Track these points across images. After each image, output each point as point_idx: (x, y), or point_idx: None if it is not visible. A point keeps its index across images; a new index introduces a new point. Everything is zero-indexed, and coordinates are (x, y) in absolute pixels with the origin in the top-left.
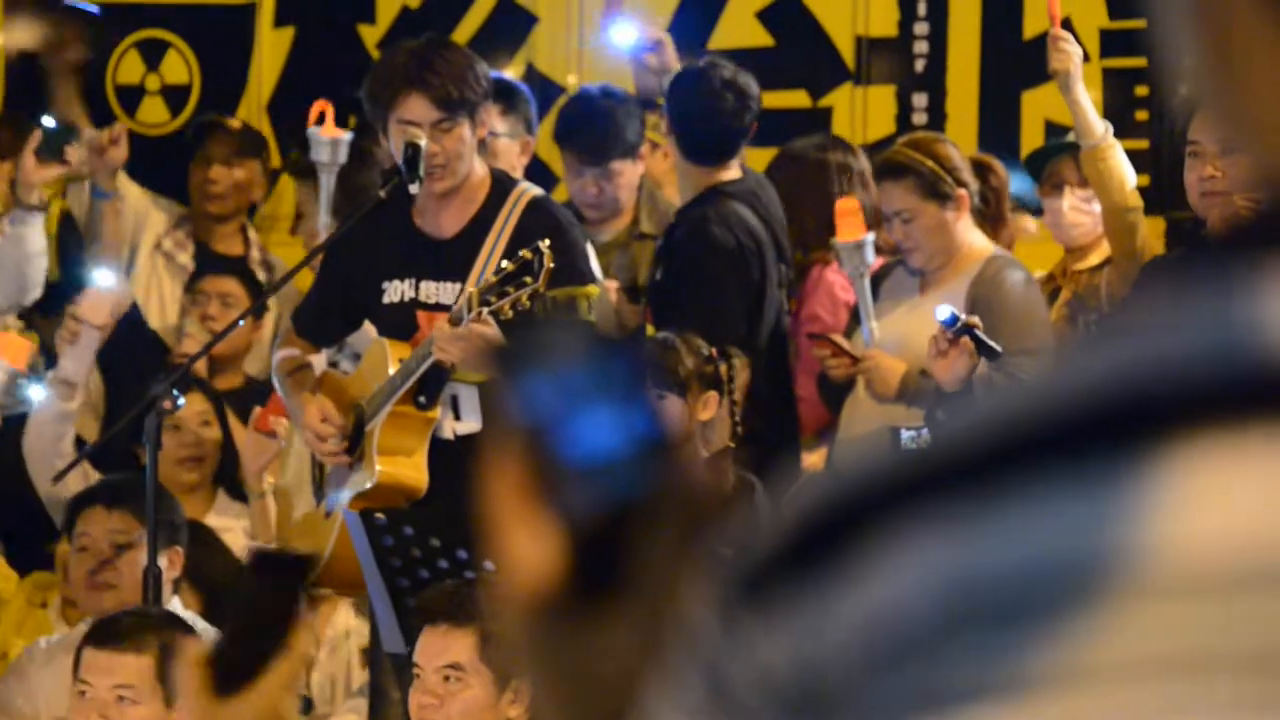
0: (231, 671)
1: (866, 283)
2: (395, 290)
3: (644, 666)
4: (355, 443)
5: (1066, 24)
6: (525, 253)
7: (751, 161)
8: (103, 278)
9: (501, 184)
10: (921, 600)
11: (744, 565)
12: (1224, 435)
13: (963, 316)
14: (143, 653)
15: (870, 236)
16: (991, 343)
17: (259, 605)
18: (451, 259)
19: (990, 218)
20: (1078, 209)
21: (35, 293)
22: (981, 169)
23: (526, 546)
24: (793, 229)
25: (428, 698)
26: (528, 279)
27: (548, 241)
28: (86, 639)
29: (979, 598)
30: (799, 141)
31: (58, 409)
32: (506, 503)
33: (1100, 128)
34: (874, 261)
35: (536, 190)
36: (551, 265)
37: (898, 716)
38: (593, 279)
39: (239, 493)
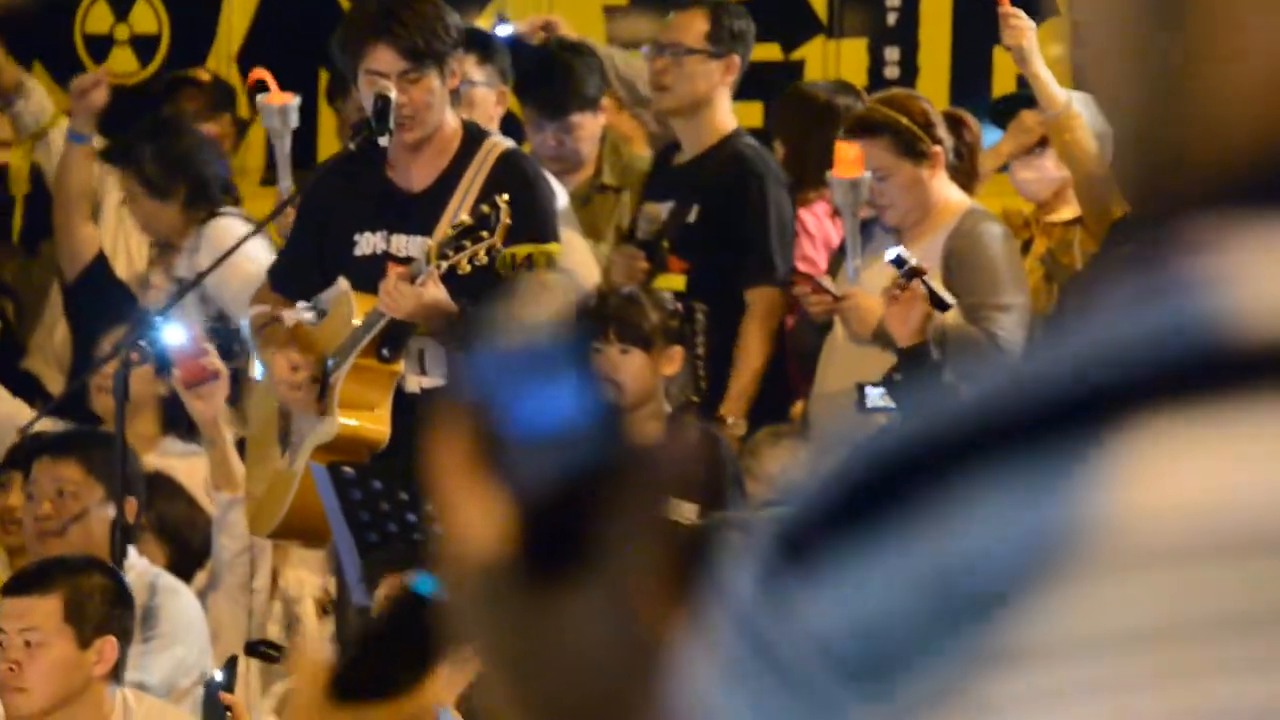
0: (353, 688)
1: (857, 222)
2: (367, 243)
3: (615, 637)
4: (321, 394)
5: None
6: (484, 207)
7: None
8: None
9: (473, 136)
10: (999, 554)
11: (786, 525)
12: (1173, 414)
13: (911, 259)
14: (49, 594)
15: (867, 176)
16: (942, 292)
17: (399, 642)
18: (421, 212)
19: (964, 172)
20: (1029, 165)
21: None
22: (955, 123)
23: (474, 517)
24: (793, 169)
25: None
26: (484, 233)
27: (505, 196)
28: (3, 589)
29: (1056, 555)
30: (806, 84)
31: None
32: (453, 473)
33: (1062, 98)
34: (867, 199)
35: (508, 143)
36: (508, 221)
37: (962, 675)
38: (555, 236)
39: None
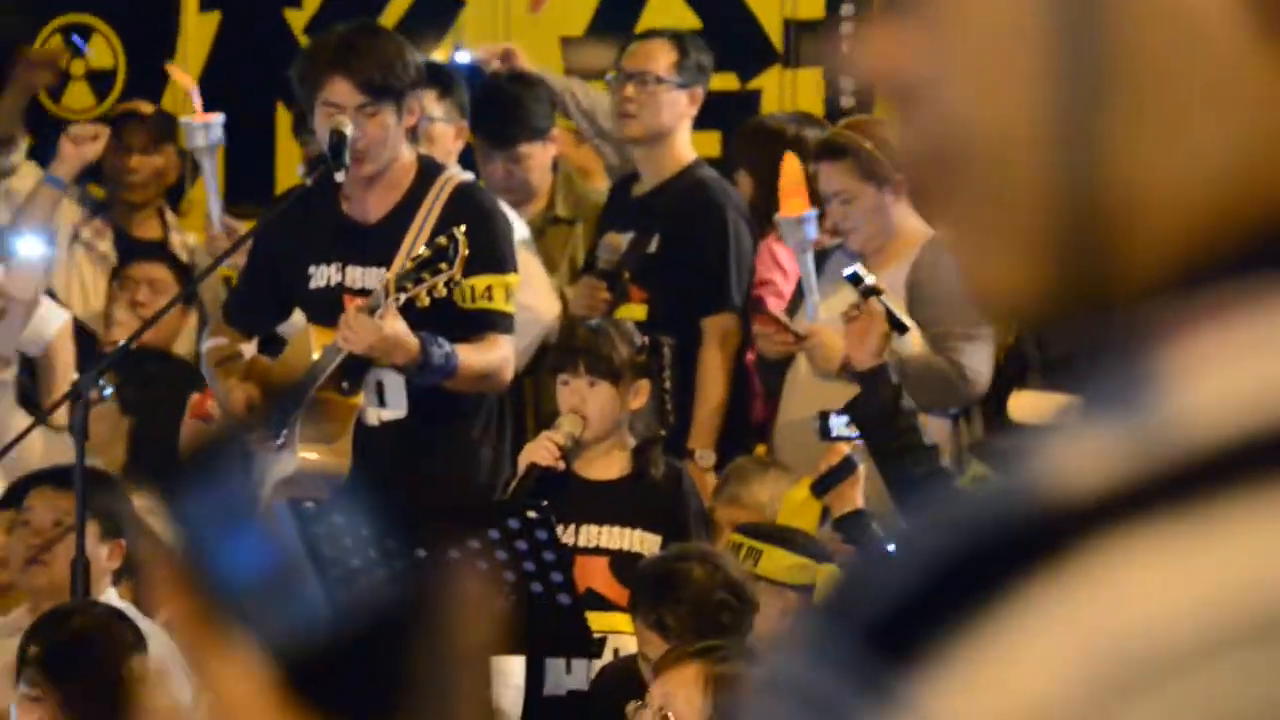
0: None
1: (809, 258)
2: (322, 275)
3: None
4: (279, 429)
5: None
6: (441, 239)
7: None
8: (28, 247)
9: (428, 170)
10: (1185, 613)
11: (871, 614)
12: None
13: (868, 277)
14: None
15: (813, 213)
16: (900, 314)
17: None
18: (377, 244)
19: None
20: None
21: None
22: None
23: (224, 669)
24: (760, 202)
25: None
26: (443, 265)
27: (463, 228)
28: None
29: (1255, 609)
30: (771, 116)
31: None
32: (191, 629)
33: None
34: (816, 236)
35: (464, 176)
36: (466, 252)
37: None
38: (513, 268)
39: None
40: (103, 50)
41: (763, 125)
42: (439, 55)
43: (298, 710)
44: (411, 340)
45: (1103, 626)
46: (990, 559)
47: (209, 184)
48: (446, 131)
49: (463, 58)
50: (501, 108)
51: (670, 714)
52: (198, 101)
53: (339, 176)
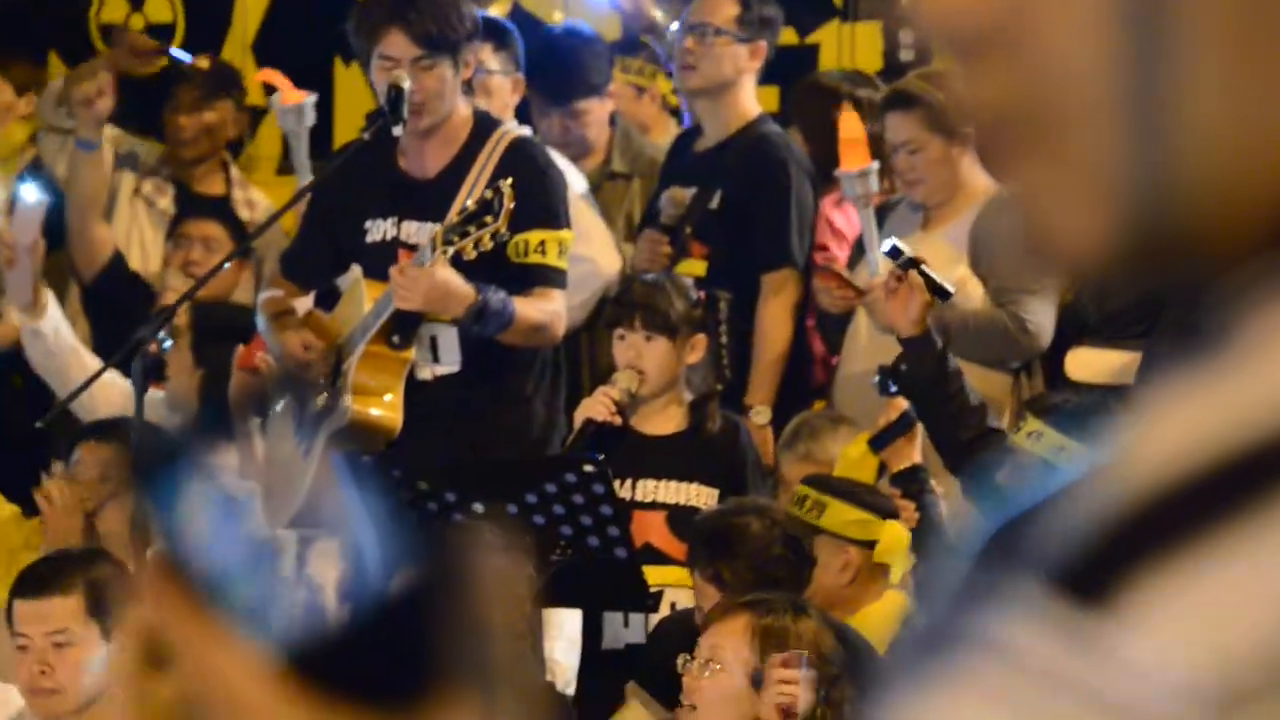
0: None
1: (871, 212)
2: (378, 230)
3: None
4: (333, 381)
5: None
6: (487, 193)
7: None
8: (27, 193)
9: (484, 124)
10: None
11: (1064, 560)
12: None
13: (906, 249)
14: (70, 594)
15: (875, 165)
16: (941, 280)
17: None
18: (432, 199)
19: None
20: None
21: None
22: None
23: (223, 666)
24: (816, 161)
25: None
26: (489, 219)
27: (510, 181)
28: (13, 593)
29: None
30: (824, 73)
31: (30, 331)
32: (187, 629)
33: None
34: (878, 189)
35: (519, 130)
36: (511, 205)
37: None
38: (567, 223)
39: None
40: (161, 5)
41: (817, 83)
42: (497, 9)
43: (307, 697)
44: (465, 288)
45: None
46: (1181, 501)
47: (299, 162)
48: (504, 85)
49: None
50: (558, 63)
51: (718, 665)
52: (287, 83)
53: (396, 131)
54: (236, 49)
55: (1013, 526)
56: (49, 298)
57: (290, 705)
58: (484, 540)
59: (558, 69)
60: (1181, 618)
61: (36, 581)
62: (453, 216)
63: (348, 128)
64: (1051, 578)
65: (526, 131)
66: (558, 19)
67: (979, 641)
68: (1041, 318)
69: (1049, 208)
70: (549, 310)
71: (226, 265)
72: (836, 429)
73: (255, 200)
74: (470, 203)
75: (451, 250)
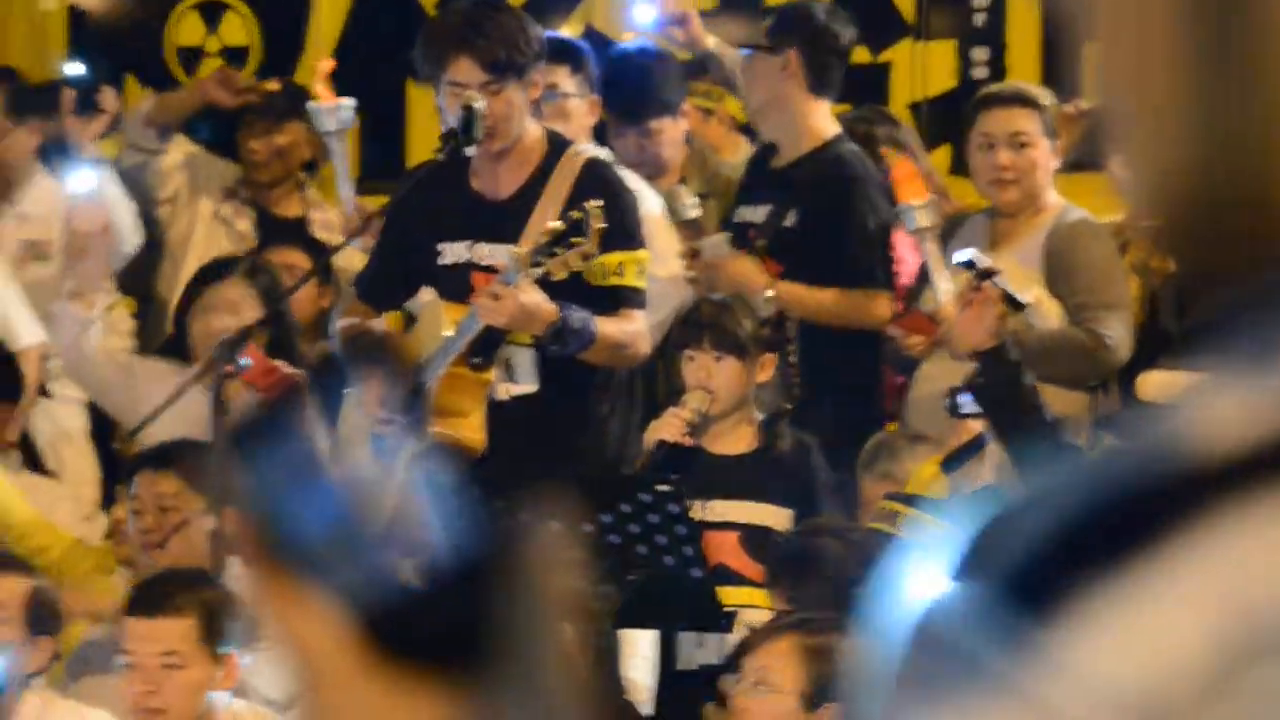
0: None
1: (935, 243)
2: (451, 252)
3: None
4: (413, 404)
5: None
6: (575, 213)
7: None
8: (80, 182)
9: (556, 145)
10: None
11: (1010, 566)
12: None
13: (981, 261)
14: (183, 615)
15: (934, 197)
16: (1016, 293)
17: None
18: (506, 220)
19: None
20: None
21: (132, 240)
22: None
23: (302, 624)
24: None
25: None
26: (578, 240)
27: (598, 202)
28: (127, 608)
29: None
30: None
31: (77, 318)
32: (268, 585)
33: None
34: (938, 221)
35: (593, 151)
36: (601, 225)
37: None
38: (642, 244)
39: None
40: (237, 28)
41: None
42: (569, 30)
43: (380, 662)
44: (548, 307)
45: (1238, 588)
46: (1129, 514)
47: (338, 167)
48: (580, 107)
49: (645, 14)
50: (632, 82)
51: (768, 687)
52: (326, 85)
53: (469, 151)
54: (311, 70)
55: (984, 535)
56: (108, 301)
57: (365, 673)
58: (546, 531)
59: (631, 88)
60: (1119, 629)
61: (150, 600)
62: (541, 237)
63: (421, 149)
64: (1004, 584)
65: (600, 152)
66: (629, 39)
67: (931, 640)
68: (1120, 334)
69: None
70: (631, 330)
71: (302, 287)
72: (915, 448)
73: (332, 221)
74: (558, 223)
75: (540, 271)
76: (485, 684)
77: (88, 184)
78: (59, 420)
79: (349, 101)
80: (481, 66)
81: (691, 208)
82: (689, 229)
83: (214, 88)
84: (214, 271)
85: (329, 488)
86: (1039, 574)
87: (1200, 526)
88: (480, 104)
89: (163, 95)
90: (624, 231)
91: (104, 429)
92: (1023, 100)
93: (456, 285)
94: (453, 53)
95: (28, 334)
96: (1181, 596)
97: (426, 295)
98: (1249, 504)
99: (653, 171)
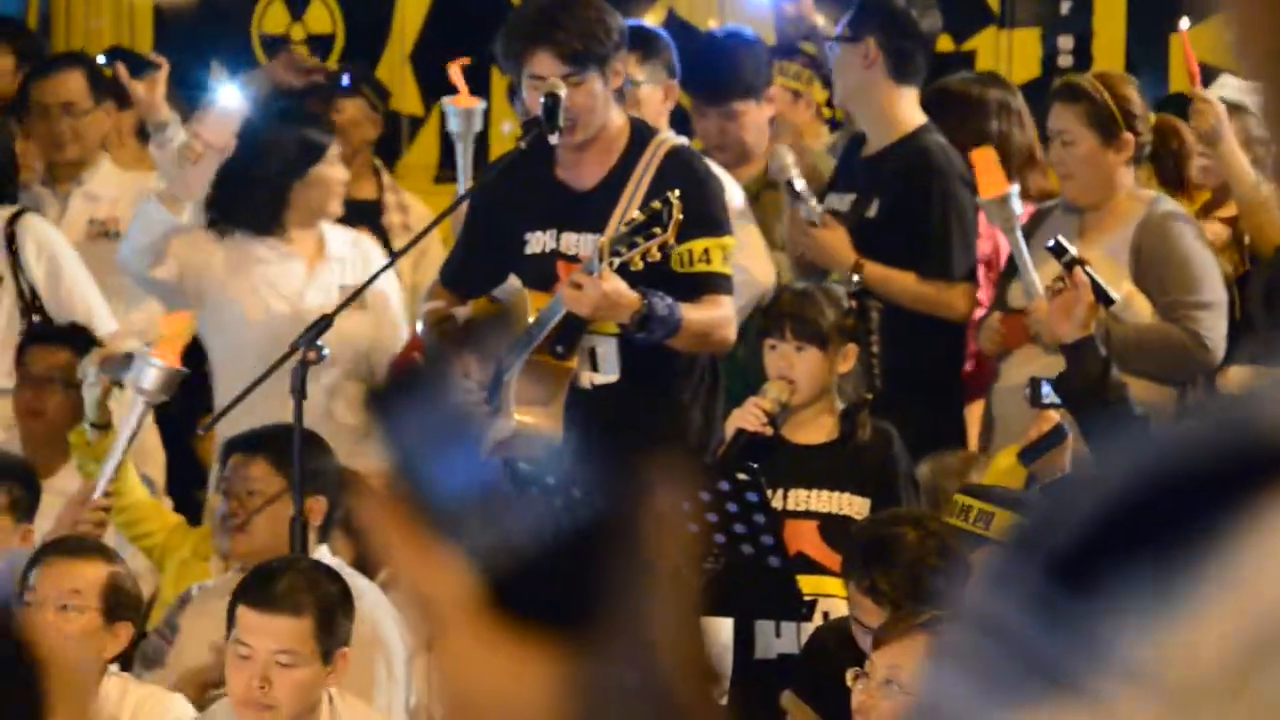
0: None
1: (1019, 235)
2: (537, 241)
3: (642, 690)
4: (495, 392)
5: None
6: (655, 203)
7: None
8: (228, 96)
9: (641, 134)
10: None
11: (1056, 548)
12: None
13: (1070, 248)
14: (302, 615)
15: (1015, 188)
16: (1106, 285)
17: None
18: (590, 210)
19: (1167, 181)
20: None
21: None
22: (1165, 131)
23: (429, 579)
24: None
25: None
26: (657, 230)
27: (677, 192)
28: (242, 597)
29: None
30: (954, 77)
31: (163, 219)
32: (398, 540)
33: (1251, 179)
34: (1022, 212)
35: (677, 140)
36: (680, 216)
37: None
38: (729, 229)
39: None
40: (322, 16)
41: (943, 88)
42: (651, 18)
43: (499, 618)
44: (632, 295)
45: (1265, 587)
46: (1178, 500)
47: (462, 167)
48: (653, 94)
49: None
50: (714, 63)
51: (898, 686)
52: (462, 87)
53: (553, 139)
54: (395, 59)
55: (1040, 517)
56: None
57: (484, 630)
58: (659, 499)
59: (713, 69)
60: (1156, 617)
61: (269, 595)
62: (620, 227)
63: (504, 139)
64: (1053, 567)
65: (683, 141)
66: (712, 26)
67: (978, 621)
68: (1217, 332)
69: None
70: (718, 316)
71: (376, 279)
72: (967, 469)
73: (408, 204)
74: (636, 213)
75: (618, 261)
76: (595, 646)
77: (234, 100)
78: (126, 402)
79: (480, 105)
80: (560, 59)
81: (792, 167)
82: (789, 192)
83: (280, 71)
84: None
85: (473, 451)
86: (1084, 557)
87: (1246, 517)
88: (564, 91)
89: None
90: (710, 217)
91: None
92: (1069, 95)
93: (542, 274)
94: (532, 46)
95: (107, 321)
96: (1215, 591)
97: (514, 284)
98: None
99: (735, 156)
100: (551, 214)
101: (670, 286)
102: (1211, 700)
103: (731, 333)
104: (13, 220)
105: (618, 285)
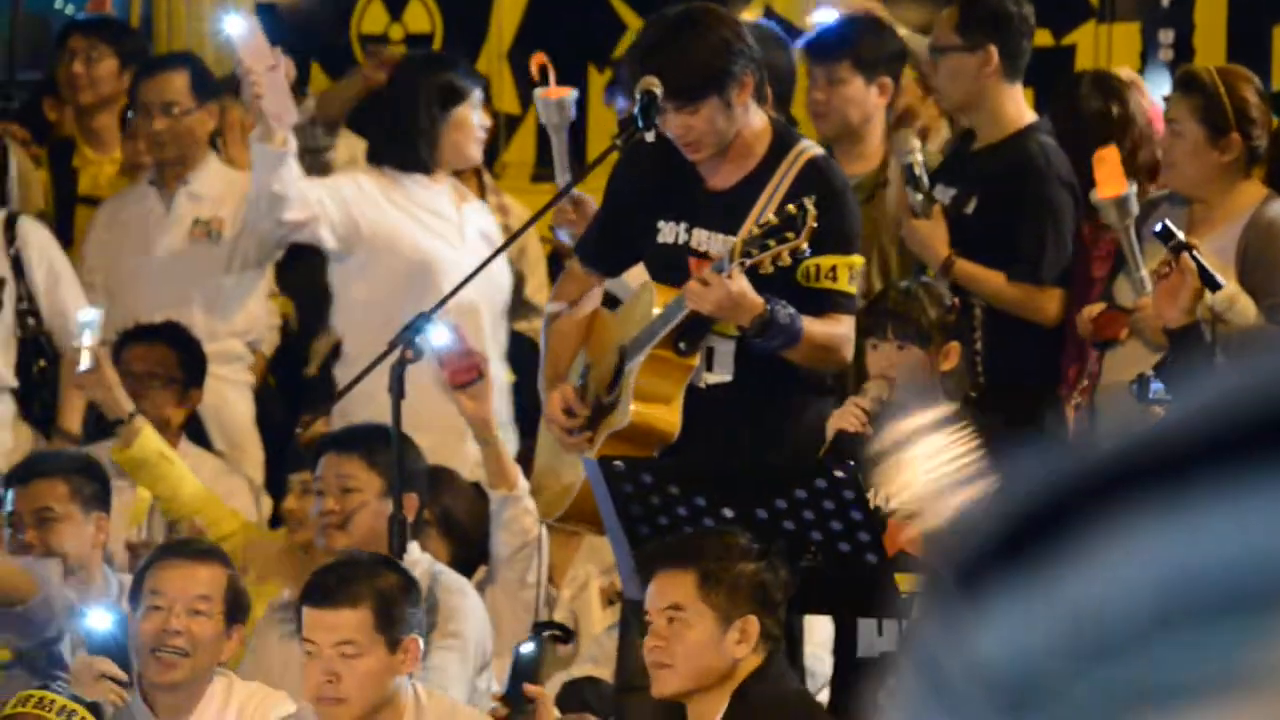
0: None
1: (1133, 235)
2: (669, 231)
3: None
4: (615, 383)
5: None
6: (790, 208)
7: None
8: (231, 25)
9: (782, 139)
10: (1135, 595)
11: (962, 556)
12: None
13: (1178, 233)
14: (359, 606)
15: (1132, 189)
16: (1213, 271)
17: None
18: (726, 210)
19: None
20: None
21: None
22: None
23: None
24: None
25: (653, 639)
26: (790, 234)
27: (813, 198)
28: (303, 598)
29: (1193, 593)
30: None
31: (270, 158)
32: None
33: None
34: (1135, 212)
35: (817, 150)
36: (815, 224)
37: (1108, 713)
38: (858, 249)
39: None
40: (420, 16)
41: (1069, 100)
42: (749, 15)
43: None
44: (756, 299)
45: (1091, 590)
46: (1047, 509)
47: (558, 159)
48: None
49: (826, 16)
50: (836, 29)
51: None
52: (551, 77)
53: (649, 137)
54: (493, 57)
55: (963, 528)
56: (290, 138)
57: None
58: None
59: (832, 31)
60: (1003, 615)
61: (326, 591)
62: (754, 229)
63: (602, 133)
64: (952, 566)
65: (823, 151)
66: (809, 23)
67: (910, 649)
68: None
69: None
70: (838, 333)
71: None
72: None
73: (507, 205)
74: (771, 216)
75: (749, 262)
76: None
77: (238, 27)
78: (228, 401)
79: (572, 94)
80: (672, 95)
81: (917, 152)
82: (908, 175)
83: (372, 71)
84: None
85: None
86: (977, 564)
87: (1098, 525)
88: (659, 88)
89: (323, 91)
90: (842, 234)
91: (269, 416)
92: (1185, 85)
93: (670, 265)
94: (645, 78)
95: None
96: (1053, 592)
97: (640, 277)
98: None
99: (834, 129)
100: (686, 207)
101: (794, 299)
102: (1051, 695)
103: (849, 352)
104: (10, 224)
105: (744, 287)
